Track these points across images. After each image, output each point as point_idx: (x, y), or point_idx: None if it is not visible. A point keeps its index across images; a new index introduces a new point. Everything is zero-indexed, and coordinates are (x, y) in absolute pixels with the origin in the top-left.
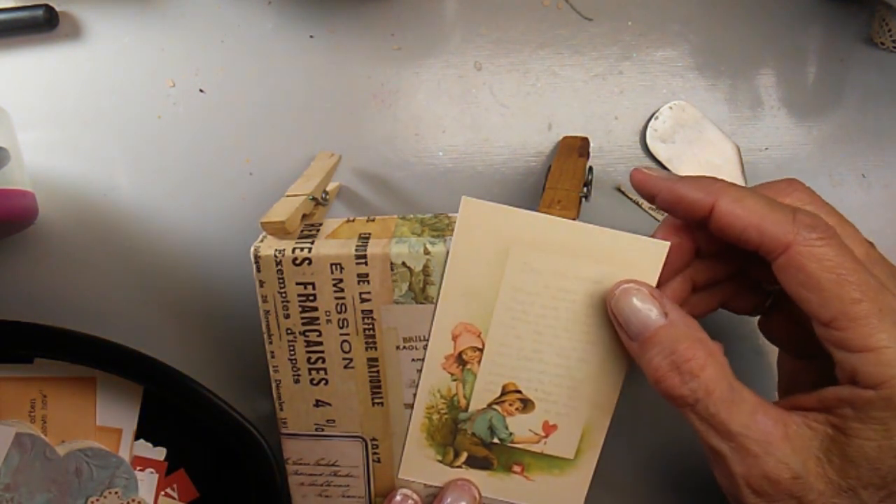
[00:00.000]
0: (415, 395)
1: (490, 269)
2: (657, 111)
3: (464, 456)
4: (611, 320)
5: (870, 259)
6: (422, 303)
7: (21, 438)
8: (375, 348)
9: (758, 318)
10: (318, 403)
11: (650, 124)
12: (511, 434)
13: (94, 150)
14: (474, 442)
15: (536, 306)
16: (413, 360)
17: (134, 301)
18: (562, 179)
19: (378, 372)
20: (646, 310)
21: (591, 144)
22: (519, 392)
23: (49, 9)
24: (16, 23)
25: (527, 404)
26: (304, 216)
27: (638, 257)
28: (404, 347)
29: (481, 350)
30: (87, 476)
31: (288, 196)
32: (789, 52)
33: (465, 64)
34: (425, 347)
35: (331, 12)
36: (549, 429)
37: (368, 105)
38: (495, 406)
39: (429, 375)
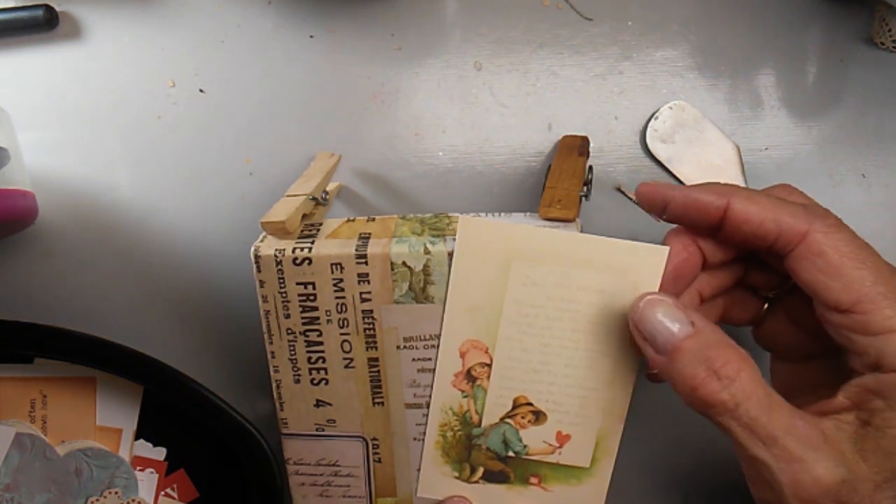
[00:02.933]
0: (415, 394)
1: (493, 285)
2: (657, 111)
3: (480, 471)
4: (616, 327)
5: None
6: (422, 302)
7: (21, 438)
8: (376, 348)
9: (750, 329)
10: (318, 403)
11: (650, 124)
12: (526, 446)
13: (94, 150)
14: (490, 456)
15: (541, 318)
16: (413, 359)
17: (134, 301)
18: (562, 179)
19: (378, 372)
20: (672, 321)
21: (591, 144)
22: (530, 405)
23: (49, 9)
24: (16, 23)
25: (539, 416)
26: (304, 216)
27: (638, 264)
28: (405, 347)
29: (490, 365)
30: (87, 476)
31: (288, 196)
32: (789, 52)
33: (465, 64)
34: (426, 347)
35: (331, 12)
36: (562, 439)
37: (368, 105)
38: (508, 420)
39: (439, 393)
